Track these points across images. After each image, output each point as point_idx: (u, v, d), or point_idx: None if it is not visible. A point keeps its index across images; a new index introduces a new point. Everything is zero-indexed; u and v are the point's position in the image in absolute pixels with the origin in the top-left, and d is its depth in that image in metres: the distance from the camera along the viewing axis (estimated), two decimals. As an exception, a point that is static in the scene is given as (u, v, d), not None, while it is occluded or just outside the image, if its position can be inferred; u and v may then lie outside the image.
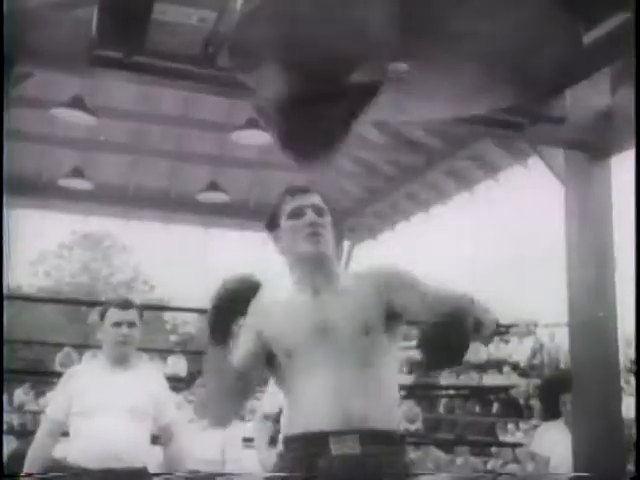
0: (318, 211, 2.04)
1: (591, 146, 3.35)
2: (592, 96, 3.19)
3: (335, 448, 1.81)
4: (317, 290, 1.99)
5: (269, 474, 2.85)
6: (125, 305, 3.31)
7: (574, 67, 2.28)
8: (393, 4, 2.11)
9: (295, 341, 1.93)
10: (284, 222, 2.05)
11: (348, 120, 2.35)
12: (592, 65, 2.66)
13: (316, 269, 2.01)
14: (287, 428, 2.02)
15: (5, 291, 3.16)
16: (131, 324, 3.26)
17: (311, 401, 1.88)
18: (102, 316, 3.31)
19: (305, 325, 1.94)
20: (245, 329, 1.99)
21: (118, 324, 3.24)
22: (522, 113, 3.19)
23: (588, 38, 2.40)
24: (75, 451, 3.13)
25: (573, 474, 3.32)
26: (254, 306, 1.88)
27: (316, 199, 2.07)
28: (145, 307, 3.62)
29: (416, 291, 1.99)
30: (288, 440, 1.96)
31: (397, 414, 2.01)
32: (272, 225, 2.10)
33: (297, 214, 2.03)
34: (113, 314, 3.27)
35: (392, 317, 2.00)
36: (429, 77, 2.42)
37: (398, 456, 1.92)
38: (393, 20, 2.22)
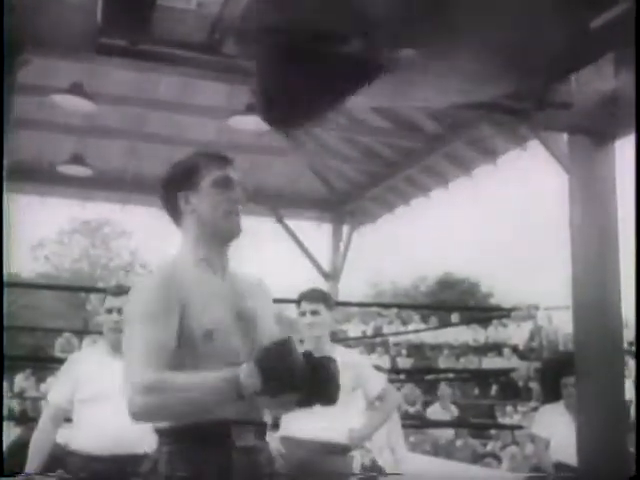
0: (243, 188, 1.90)
1: (595, 131, 3.35)
2: (596, 81, 3.19)
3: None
4: (223, 273, 1.87)
5: None
6: (116, 292, 3.29)
7: (580, 52, 2.28)
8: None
9: (216, 322, 1.77)
10: (206, 187, 1.85)
11: (339, 93, 2.27)
12: (598, 50, 2.66)
13: (226, 249, 1.89)
14: None
15: (5, 277, 3.15)
16: (120, 310, 3.15)
17: None
18: (103, 303, 3.33)
19: (224, 307, 1.81)
20: (167, 303, 1.73)
21: (109, 311, 3.24)
22: (527, 99, 3.18)
23: (594, 23, 2.40)
24: (79, 437, 3.14)
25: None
26: (166, 282, 1.76)
27: (239, 175, 1.90)
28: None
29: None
30: None
31: None
32: (185, 184, 1.87)
33: (224, 185, 1.86)
34: (107, 301, 3.28)
35: None
36: (435, 63, 2.42)
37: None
38: (398, 6, 2.21)
